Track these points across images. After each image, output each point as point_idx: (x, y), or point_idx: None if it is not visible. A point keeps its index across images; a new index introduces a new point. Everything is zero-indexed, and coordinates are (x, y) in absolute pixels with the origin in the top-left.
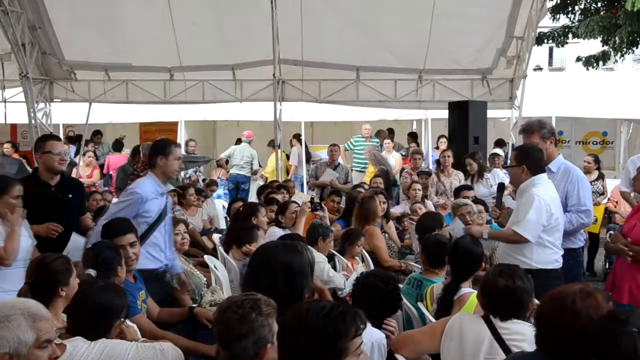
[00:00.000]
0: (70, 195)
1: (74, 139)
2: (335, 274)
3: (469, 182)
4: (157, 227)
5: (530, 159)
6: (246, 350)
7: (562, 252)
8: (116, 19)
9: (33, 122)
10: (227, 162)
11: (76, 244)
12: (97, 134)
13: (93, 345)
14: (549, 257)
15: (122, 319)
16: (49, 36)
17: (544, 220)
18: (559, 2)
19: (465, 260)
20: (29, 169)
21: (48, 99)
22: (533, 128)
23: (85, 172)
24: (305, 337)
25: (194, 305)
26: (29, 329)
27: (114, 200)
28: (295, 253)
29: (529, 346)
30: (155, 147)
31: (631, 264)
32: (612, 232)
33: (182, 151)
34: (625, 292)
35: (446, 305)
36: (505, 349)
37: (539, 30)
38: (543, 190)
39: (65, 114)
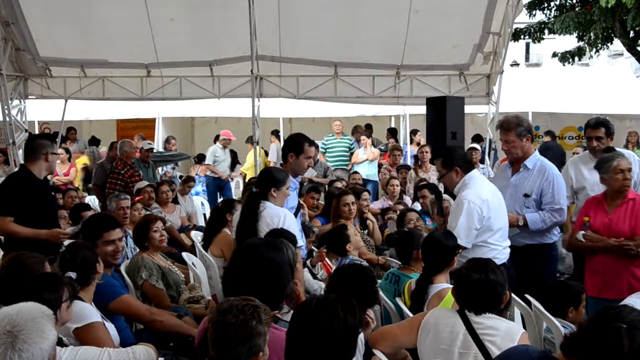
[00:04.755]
0: (52, 193)
1: (51, 136)
2: (310, 278)
3: None
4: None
5: (458, 160)
6: (239, 356)
7: (501, 248)
8: (91, 15)
9: (7, 119)
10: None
11: None
12: (70, 130)
13: (62, 351)
14: (485, 256)
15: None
16: (22, 32)
17: (476, 224)
18: None
19: (435, 253)
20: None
21: (23, 96)
22: (510, 125)
23: (62, 169)
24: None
25: (182, 310)
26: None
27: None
28: (278, 251)
29: (502, 340)
30: (289, 143)
31: (609, 259)
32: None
33: (161, 148)
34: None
35: (419, 300)
36: (479, 342)
37: (515, 26)
38: (472, 191)
39: (40, 110)
